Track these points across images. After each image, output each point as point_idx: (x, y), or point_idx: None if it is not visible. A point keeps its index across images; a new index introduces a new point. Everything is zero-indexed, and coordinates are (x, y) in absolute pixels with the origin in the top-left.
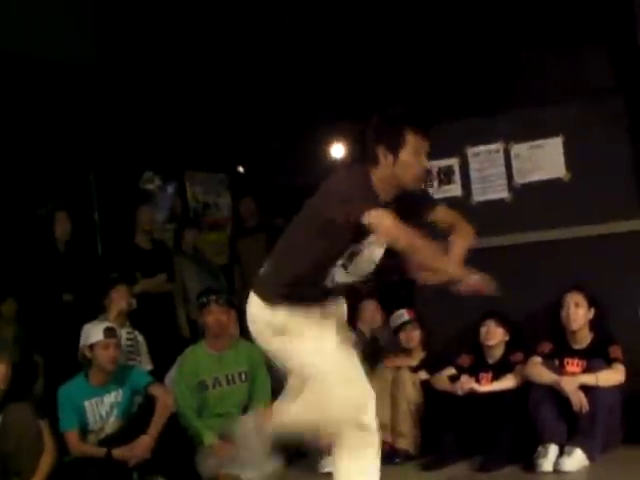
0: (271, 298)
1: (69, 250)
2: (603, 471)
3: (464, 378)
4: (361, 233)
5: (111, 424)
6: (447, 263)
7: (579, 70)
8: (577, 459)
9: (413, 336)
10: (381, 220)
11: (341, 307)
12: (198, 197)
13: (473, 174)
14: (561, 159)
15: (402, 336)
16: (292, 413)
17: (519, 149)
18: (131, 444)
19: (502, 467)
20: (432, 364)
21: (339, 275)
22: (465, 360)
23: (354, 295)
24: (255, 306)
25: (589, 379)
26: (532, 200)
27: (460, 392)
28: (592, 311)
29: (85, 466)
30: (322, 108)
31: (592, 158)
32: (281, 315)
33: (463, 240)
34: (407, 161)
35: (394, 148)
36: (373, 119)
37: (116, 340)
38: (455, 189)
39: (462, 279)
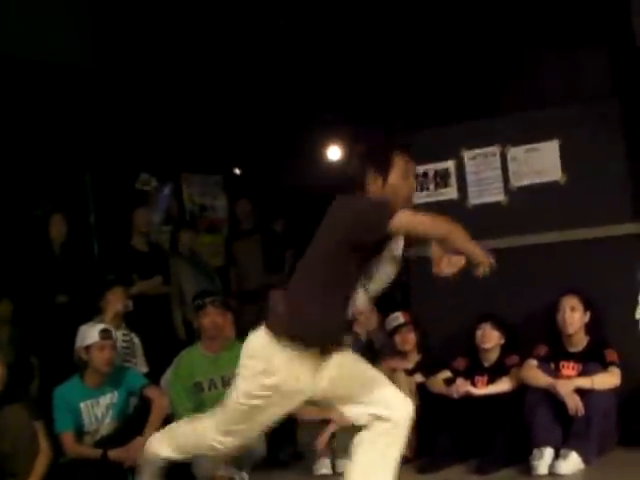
0: (287, 335)
1: (65, 252)
2: (598, 474)
3: (459, 381)
4: (381, 246)
5: (107, 426)
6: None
7: (576, 73)
8: (572, 462)
9: (408, 339)
10: (402, 218)
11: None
12: (194, 199)
13: (469, 177)
14: (557, 162)
15: (397, 339)
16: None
17: (515, 152)
18: (127, 446)
19: (498, 470)
20: (428, 367)
21: (360, 299)
22: (461, 363)
23: None
24: (260, 340)
25: (585, 382)
26: (528, 203)
27: (456, 395)
28: (588, 314)
29: (80, 467)
30: (318, 110)
31: (588, 161)
32: (280, 359)
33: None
34: (396, 184)
35: (383, 172)
36: (360, 145)
37: (112, 342)
38: (451, 192)
39: (479, 256)
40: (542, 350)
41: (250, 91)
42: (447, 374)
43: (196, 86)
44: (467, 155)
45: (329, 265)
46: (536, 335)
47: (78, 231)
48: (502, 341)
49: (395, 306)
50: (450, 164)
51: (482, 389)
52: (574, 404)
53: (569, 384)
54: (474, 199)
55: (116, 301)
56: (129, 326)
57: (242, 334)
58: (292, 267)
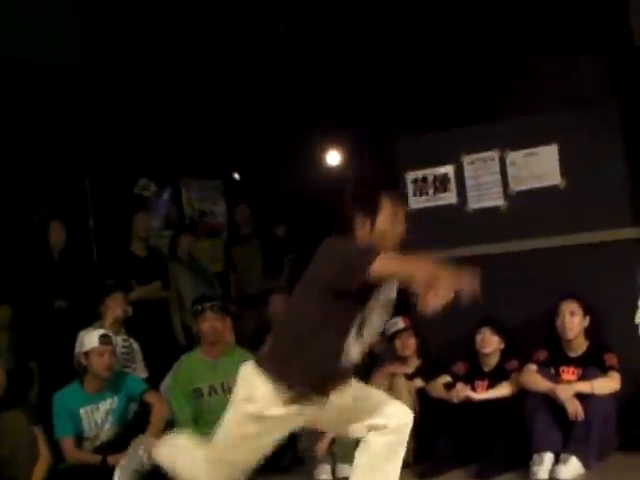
0: (273, 377)
1: (64, 258)
2: (599, 479)
3: (459, 386)
4: (367, 294)
5: (106, 431)
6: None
7: (574, 77)
8: (573, 467)
9: (408, 344)
10: (381, 264)
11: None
12: (194, 204)
13: (468, 182)
14: (556, 166)
15: (397, 344)
16: (171, 450)
17: (514, 157)
18: (126, 451)
19: (498, 475)
20: (428, 372)
21: (354, 349)
22: (460, 368)
23: None
24: (249, 369)
25: (585, 387)
26: (527, 208)
27: (455, 400)
28: (587, 319)
29: (80, 473)
30: (318, 115)
31: (587, 166)
32: (264, 391)
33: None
34: (384, 228)
35: (371, 216)
36: (349, 188)
37: (111, 347)
38: (450, 197)
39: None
40: (542, 355)
41: (249, 96)
42: (447, 379)
43: (195, 91)
44: (466, 160)
45: (315, 311)
46: (536, 340)
47: (77, 236)
48: (502, 346)
49: (395, 311)
50: (449, 169)
51: (482, 394)
52: (574, 409)
53: (569, 389)
54: (473, 204)
55: (115, 306)
56: (128, 331)
57: (241, 339)
58: (291, 272)
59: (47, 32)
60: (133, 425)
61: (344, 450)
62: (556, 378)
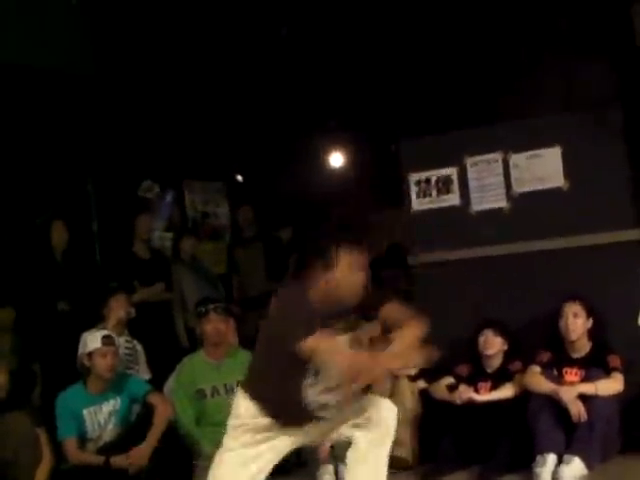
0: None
1: (67, 259)
2: None
3: (462, 387)
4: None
5: (109, 432)
6: (381, 364)
7: (577, 80)
8: (576, 468)
9: None
10: (311, 346)
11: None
12: (197, 206)
13: (472, 183)
14: (560, 168)
15: None
16: None
17: (518, 159)
18: (129, 452)
19: (501, 476)
20: (431, 373)
21: (313, 393)
22: (464, 369)
23: None
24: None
25: (588, 388)
26: (531, 209)
27: (458, 401)
28: (590, 321)
29: (83, 474)
30: (320, 117)
31: (591, 167)
32: (246, 410)
33: (406, 337)
34: (343, 279)
35: (329, 267)
36: (308, 238)
37: (114, 348)
38: (454, 198)
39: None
40: (545, 356)
41: (252, 98)
42: (450, 380)
43: (198, 93)
44: (469, 162)
45: (271, 358)
46: (539, 341)
47: (80, 238)
48: (505, 347)
49: None
50: (452, 171)
51: (485, 395)
52: (577, 410)
53: (572, 390)
54: (476, 205)
55: (118, 308)
56: (131, 333)
57: (244, 341)
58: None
59: (50, 37)
60: (136, 426)
61: (346, 451)
62: (559, 379)
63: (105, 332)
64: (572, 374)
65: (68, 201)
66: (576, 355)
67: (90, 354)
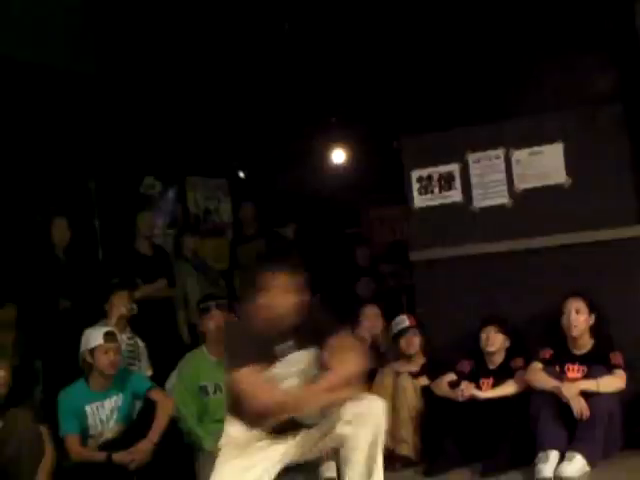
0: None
1: (69, 256)
2: (604, 477)
3: (464, 384)
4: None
5: (111, 428)
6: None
7: (580, 76)
8: (578, 465)
9: (413, 342)
10: (243, 382)
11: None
12: (199, 202)
13: (474, 180)
14: (562, 165)
15: (402, 342)
16: None
17: (520, 155)
18: (131, 449)
19: (503, 473)
20: (433, 370)
21: None
22: (466, 366)
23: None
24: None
25: (590, 385)
26: (533, 206)
27: (460, 398)
28: (593, 317)
29: (85, 471)
30: (322, 113)
31: (593, 164)
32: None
33: (340, 371)
34: (275, 301)
35: (263, 290)
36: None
37: (116, 344)
38: (456, 195)
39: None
40: (547, 353)
41: (254, 94)
42: (452, 377)
43: (200, 90)
44: (471, 158)
45: None
46: (541, 338)
47: (82, 235)
48: (507, 344)
49: (400, 309)
50: (454, 167)
51: (487, 392)
52: (579, 407)
53: (574, 387)
54: (478, 202)
55: (120, 305)
56: (133, 330)
57: None
58: None
59: (52, 36)
60: (138, 422)
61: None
62: (561, 376)
63: (107, 328)
64: (574, 371)
65: (70, 198)
66: (578, 352)
67: (92, 350)
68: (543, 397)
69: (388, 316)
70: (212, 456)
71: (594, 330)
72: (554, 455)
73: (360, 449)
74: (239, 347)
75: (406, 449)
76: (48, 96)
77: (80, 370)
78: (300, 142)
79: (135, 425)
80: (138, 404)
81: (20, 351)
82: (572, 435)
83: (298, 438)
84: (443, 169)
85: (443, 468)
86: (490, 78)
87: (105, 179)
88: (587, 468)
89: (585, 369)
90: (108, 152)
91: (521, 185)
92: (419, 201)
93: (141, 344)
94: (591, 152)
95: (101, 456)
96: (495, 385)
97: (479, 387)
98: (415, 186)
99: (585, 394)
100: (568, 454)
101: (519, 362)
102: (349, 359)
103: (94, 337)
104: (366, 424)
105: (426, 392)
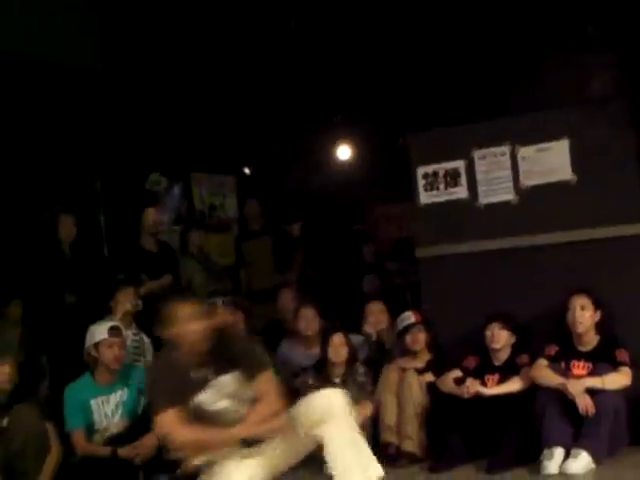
0: None
1: (74, 252)
2: (609, 474)
3: (469, 381)
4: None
5: (116, 423)
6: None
7: (586, 73)
8: (583, 462)
9: (419, 338)
10: (162, 427)
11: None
12: (204, 198)
13: (479, 176)
14: (568, 162)
15: (408, 338)
16: None
17: (526, 151)
18: (136, 443)
19: (508, 469)
20: (438, 366)
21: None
22: (471, 362)
23: None
24: None
25: (595, 382)
26: (538, 203)
27: (466, 395)
28: (598, 314)
29: (91, 466)
30: (328, 110)
31: (599, 161)
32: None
33: (257, 415)
34: (179, 332)
35: (171, 322)
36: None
37: (121, 339)
38: (461, 191)
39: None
40: (553, 349)
41: (261, 91)
42: (458, 373)
43: (206, 86)
44: (477, 154)
45: None
46: (547, 334)
47: (88, 231)
48: (512, 340)
49: (406, 306)
50: (460, 164)
51: (492, 389)
52: (584, 404)
53: (579, 384)
54: (484, 198)
55: (126, 301)
56: (139, 326)
57: (252, 333)
58: (302, 267)
59: (57, 32)
60: (143, 417)
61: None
62: (567, 373)
63: (112, 323)
64: (580, 367)
65: (76, 194)
66: (584, 348)
67: (97, 345)
68: (548, 394)
69: (394, 312)
70: None
71: (599, 327)
72: (559, 452)
73: (340, 441)
74: (155, 390)
75: (411, 445)
76: (53, 93)
77: (86, 366)
78: (306, 139)
79: (140, 420)
80: (143, 399)
81: (26, 348)
82: (577, 432)
83: (269, 450)
84: (449, 166)
85: (448, 464)
86: (496, 75)
87: (111, 175)
88: (592, 465)
89: (590, 366)
90: (114, 148)
91: (527, 182)
92: (425, 198)
93: (147, 340)
94: (597, 149)
95: (106, 451)
96: (500, 382)
97: (484, 384)
98: (421, 183)
99: (590, 391)
100: (573, 451)
101: (525, 359)
102: (267, 403)
103: (99, 332)
104: (333, 417)
105: (431, 388)
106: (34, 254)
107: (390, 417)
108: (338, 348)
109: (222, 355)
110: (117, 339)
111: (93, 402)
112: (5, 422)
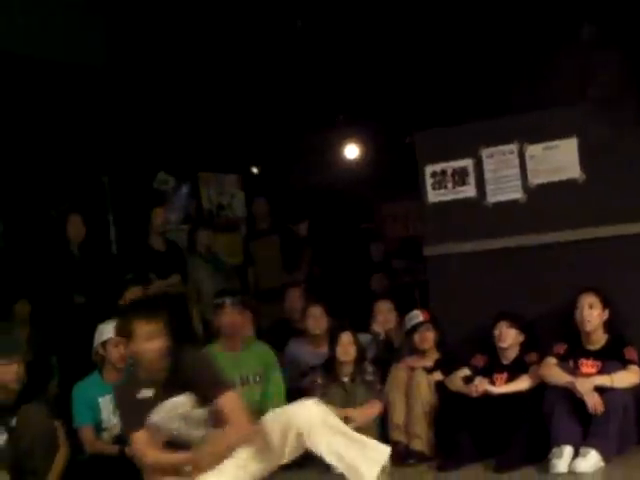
0: None
1: (83, 252)
2: (618, 472)
3: (478, 380)
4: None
5: None
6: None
7: (593, 70)
8: (592, 460)
9: (427, 337)
10: (134, 447)
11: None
12: (212, 198)
13: (487, 175)
14: (576, 160)
15: (416, 337)
16: None
17: (534, 150)
18: None
19: (517, 468)
20: (447, 365)
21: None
22: (480, 361)
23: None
24: None
25: (604, 380)
26: (546, 201)
27: (474, 394)
28: (606, 312)
29: (98, 464)
30: (336, 109)
31: (607, 159)
32: None
33: (226, 437)
34: (139, 349)
35: (127, 339)
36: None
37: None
38: (469, 190)
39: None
40: (561, 348)
41: (268, 90)
42: (466, 372)
43: (213, 85)
44: (485, 153)
45: None
46: (555, 333)
47: (96, 231)
48: (521, 339)
49: (414, 305)
50: (468, 162)
51: (501, 387)
52: (593, 402)
53: (588, 382)
54: (492, 197)
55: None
56: None
57: (260, 333)
58: (309, 266)
59: (65, 31)
60: None
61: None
62: (575, 371)
63: None
64: (588, 366)
65: (84, 194)
66: (592, 347)
67: (104, 344)
68: (557, 392)
69: (402, 311)
70: None
71: (608, 325)
72: (568, 450)
73: (332, 446)
74: (123, 414)
75: (420, 444)
76: (60, 91)
77: (95, 365)
78: (313, 138)
79: None
80: None
81: (34, 347)
82: (586, 430)
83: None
84: (457, 164)
85: (457, 463)
86: (504, 73)
87: (118, 175)
88: (601, 463)
89: (599, 364)
90: (121, 148)
91: (535, 180)
92: (433, 196)
93: None
94: (605, 147)
95: (114, 449)
96: (509, 380)
97: (493, 382)
98: (429, 181)
99: (599, 389)
100: (582, 449)
101: (533, 357)
102: (231, 426)
103: (107, 330)
104: (310, 429)
105: (440, 387)
106: (43, 254)
107: (399, 416)
108: (346, 347)
109: (177, 376)
110: (124, 338)
111: (101, 400)
112: (14, 422)
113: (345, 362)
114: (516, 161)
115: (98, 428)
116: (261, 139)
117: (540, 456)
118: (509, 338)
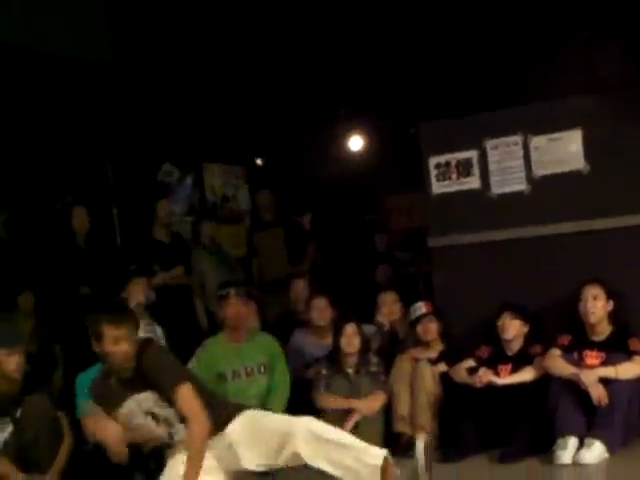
0: None
1: (88, 244)
2: (622, 464)
3: (482, 371)
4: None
5: None
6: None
7: (598, 62)
8: (596, 451)
9: (430, 328)
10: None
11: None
12: (216, 189)
13: (492, 166)
14: (580, 151)
15: (420, 329)
16: None
17: (538, 141)
18: None
19: (521, 459)
20: (451, 356)
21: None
22: (484, 352)
23: None
24: None
25: (609, 372)
26: (551, 192)
27: (479, 385)
28: (611, 303)
29: (103, 453)
30: (339, 101)
31: (611, 150)
32: None
33: (192, 434)
34: (108, 351)
35: (97, 341)
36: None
37: None
38: (474, 181)
39: None
40: (566, 339)
41: (273, 82)
42: (471, 363)
43: (219, 77)
44: (489, 144)
45: None
46: (559, 324)
47: (100, 223)
48: (525, 330)
49: (418, 296)
50: (473, 153)
51: (505, 378)
52: (598, 394)
53: (593, 374)
54: (496, 188)
55: (138, 292)
56: (152, 317)
57: (265, 324)
58: (314, 258)
59: (68, 23)
60: None
61: (365, 438)
62: (580, 363)
63: None
64: (593, 357)
65: (88, 186)
66: (597, 338)
67: None
68: (562, 384)
69: (406, 302)
70: None
71: (612, 317)
72: (573, 442)
73: (322, 454)
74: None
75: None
76: (65, 84)
77: (98, 356)
78: (318, 130)
79: None
80: None
81: (39, 339)
82: (591, 422)
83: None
84: (461, 155)
85: (461, 454)
86: (508, 64)
87: (123, 167)
88: (606, 455)
89: (604, 355)
90: (126, 140)
91: (539, 171)
92: (437, 188)
93: (159, 331)
94: (609, 138)
95: None
96: (513, 371)
97: (497, 373)
98: (433, 173)
99: (604, 381)
100: (587, 441)
101: (538, 348)
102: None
103: None
104: (301, 440)
105: (444, 378)
106: (49, 246)
107: (403, 407)
108: (351, 338)
109: (139, 376)
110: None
111: None
112: (18, 413)
113: (349, 353)
114: (520, 152)
115: None
116: (266, 131)
117: (544, 447)
118: (513, 329)
